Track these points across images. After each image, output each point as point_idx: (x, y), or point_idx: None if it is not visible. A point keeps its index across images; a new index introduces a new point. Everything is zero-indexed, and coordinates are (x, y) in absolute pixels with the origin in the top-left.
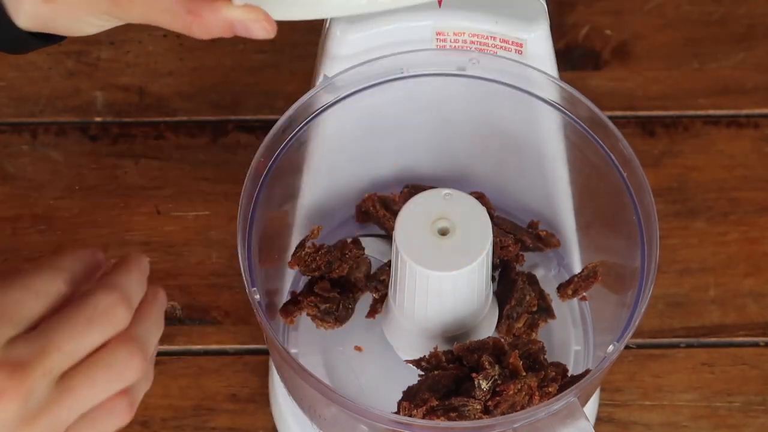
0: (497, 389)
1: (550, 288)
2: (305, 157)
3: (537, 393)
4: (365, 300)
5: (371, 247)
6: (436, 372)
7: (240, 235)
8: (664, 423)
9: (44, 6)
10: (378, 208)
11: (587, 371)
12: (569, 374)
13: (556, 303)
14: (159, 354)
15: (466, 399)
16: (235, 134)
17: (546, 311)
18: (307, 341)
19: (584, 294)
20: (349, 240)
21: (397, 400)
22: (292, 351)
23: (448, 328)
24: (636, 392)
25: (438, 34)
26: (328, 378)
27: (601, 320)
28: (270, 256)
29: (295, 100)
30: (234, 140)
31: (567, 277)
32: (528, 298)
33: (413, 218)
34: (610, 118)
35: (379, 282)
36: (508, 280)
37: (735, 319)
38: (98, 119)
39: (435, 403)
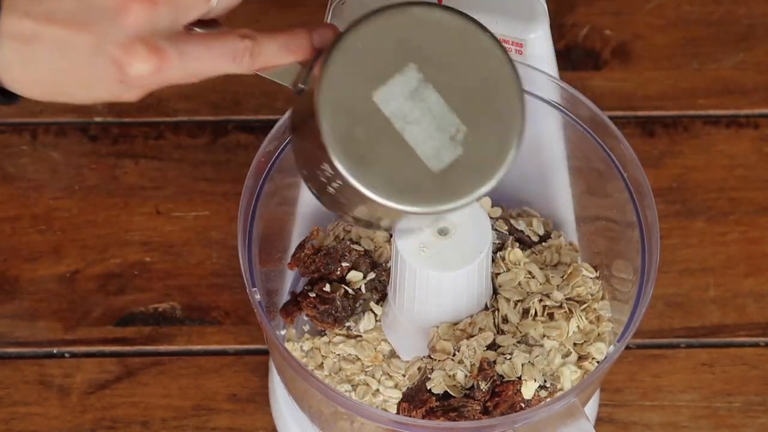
0: (496, 390)
1: None
2: None
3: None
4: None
5: None
6: None
7: (240, 235)
8: (664, 423)
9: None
10: None
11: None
12: None
13: None
14: (159, 354)
15: (465, 399)
16: (235, 134)
17: None
18: None
19: None
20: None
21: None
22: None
23: None
24: (636, 392)
25: None
26: None
27: None
28: (270, 256)
29: None
30: (234, 140)
31: None
32: None
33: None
34: (610, 118)
35: (379, 282)
36: None
37: (735, 319)
38: (98, 119)
39: (435, 403)
